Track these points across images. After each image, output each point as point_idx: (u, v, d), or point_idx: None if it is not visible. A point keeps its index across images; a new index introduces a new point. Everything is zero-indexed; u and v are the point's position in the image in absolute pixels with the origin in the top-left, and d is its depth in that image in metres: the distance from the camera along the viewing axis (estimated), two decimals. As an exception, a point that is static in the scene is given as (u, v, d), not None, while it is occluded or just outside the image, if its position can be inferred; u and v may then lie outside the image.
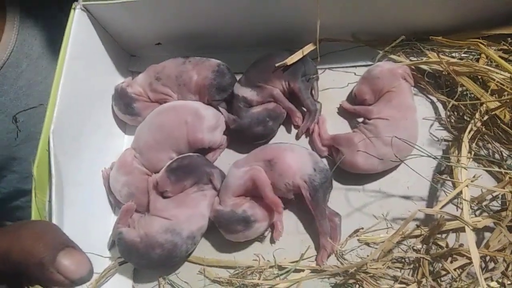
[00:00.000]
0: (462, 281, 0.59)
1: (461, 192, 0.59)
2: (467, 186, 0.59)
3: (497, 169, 0.65)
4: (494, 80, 0.64)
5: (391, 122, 0.66)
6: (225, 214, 0.66)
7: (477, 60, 0.70)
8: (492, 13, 0.68)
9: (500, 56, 0.66)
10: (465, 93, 0.69)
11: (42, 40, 0.82)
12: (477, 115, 0.65)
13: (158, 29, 0.78)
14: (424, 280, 0.61)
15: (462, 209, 0.59)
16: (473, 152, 0.65)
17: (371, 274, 0.63)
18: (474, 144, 0.65)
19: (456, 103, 0.66)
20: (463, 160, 0.62)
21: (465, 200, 0.58)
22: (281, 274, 0.67)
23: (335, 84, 0.77)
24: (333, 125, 0.74)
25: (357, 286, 0.64)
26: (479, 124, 0.64)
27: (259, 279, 0.66)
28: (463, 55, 0.71)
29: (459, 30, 0.71)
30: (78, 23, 0.69)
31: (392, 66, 0.70)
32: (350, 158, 0.67)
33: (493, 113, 0.64)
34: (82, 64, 0.70)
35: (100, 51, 0.77)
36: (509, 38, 0.68)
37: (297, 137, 0.75)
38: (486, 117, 0.64)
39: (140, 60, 0.86)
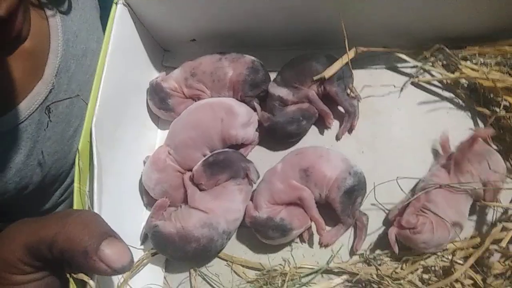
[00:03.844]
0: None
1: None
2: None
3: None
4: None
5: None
6: (263, 221, 0.67)
7: (511, 67, 0.70)
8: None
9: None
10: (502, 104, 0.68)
11: (82, 36, 0.82)
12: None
13: (193, 25, 0.79)
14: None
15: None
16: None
17: (399, 281, 0.64)
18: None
19: (505, 114, 0.67)
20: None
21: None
22: (304, 276, 0.68)
23: (368, 83, 0.77)
24: (368, 124, 0.75)
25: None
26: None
27: (284, 281, 0.67)
28: (498, 60, 0.71)
29: (493, 37, 0.72)
30: (119, 18, 0.70)
31: None
32: None
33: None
34: (121, 58, 0.71)
35: (138, 46, 0.78)
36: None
37: (337, 138, 0.76)
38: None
39: (175, 56, 0.87)
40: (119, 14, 0.70)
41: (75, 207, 0.59)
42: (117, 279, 0.64)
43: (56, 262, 0.48)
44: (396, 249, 0.64)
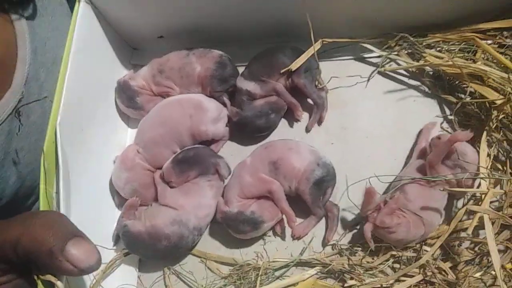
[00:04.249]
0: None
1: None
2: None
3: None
4: (494, 80, 0.65)
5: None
6: (233, 215, 0.67)
7: (474, 53, 0.71)
8: (488, 7, 0.70)
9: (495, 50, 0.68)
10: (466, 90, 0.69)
11: (51, 44, 0.80)
12: (495, 113, 0.65)
13: (160, 22, 0.78)
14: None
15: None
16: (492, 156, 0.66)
17: (372, 271, 0.64)
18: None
19: (470, 101, 0.67)
20: (481, 163, 0.63)
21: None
22: (277, 269, 0.68)
23: (335, 74, 0.77)
24: (336, 115, 0.75)
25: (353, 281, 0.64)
26: (494, 123, 0.66)
27: (257, 275, 0.67)
28: (461, 46, 0.72)
29: (456, 24, 0.73)
30: (82, 16, 0.69)
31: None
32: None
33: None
34: (86, 57, 0.70)
35: (104, 44, 0.77)
36: (505, 32, 0.70)
37: (307, 130, 0.76)
38: (501, 116, 0.65)
39: (142, 53, 0.86)
40: (82, 12, 0.69)
41: (41, 208, 0.58)
42: (89, 280, 0.64)
43: (22, 264, 0.47)
44: (372, 245, 0.64)
